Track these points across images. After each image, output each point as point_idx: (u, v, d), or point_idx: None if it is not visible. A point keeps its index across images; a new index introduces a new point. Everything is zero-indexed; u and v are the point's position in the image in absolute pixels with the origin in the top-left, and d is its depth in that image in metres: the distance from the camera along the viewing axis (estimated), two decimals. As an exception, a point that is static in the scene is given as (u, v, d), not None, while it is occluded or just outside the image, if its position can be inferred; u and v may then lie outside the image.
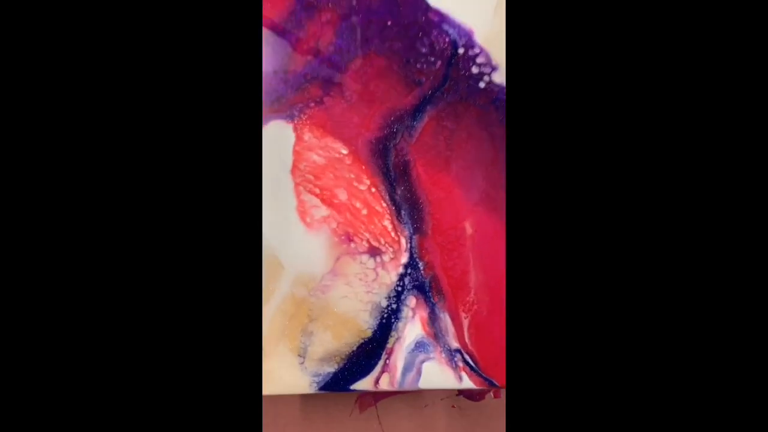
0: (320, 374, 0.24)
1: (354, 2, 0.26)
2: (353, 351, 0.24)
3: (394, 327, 0.24)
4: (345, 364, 0.24)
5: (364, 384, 0.24)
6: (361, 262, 0.24)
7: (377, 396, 0.30)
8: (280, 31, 0.26)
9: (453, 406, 0.29)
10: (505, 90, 0.26)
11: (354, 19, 0.26)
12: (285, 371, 0.24)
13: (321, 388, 0.24)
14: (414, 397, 0.29)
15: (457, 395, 0.30)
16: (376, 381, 0.24)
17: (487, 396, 0.30)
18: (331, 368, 0.24)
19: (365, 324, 0.24)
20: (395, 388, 0.24)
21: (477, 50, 0.26)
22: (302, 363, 0.24)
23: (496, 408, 0.30)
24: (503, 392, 0.30)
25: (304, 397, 0.29)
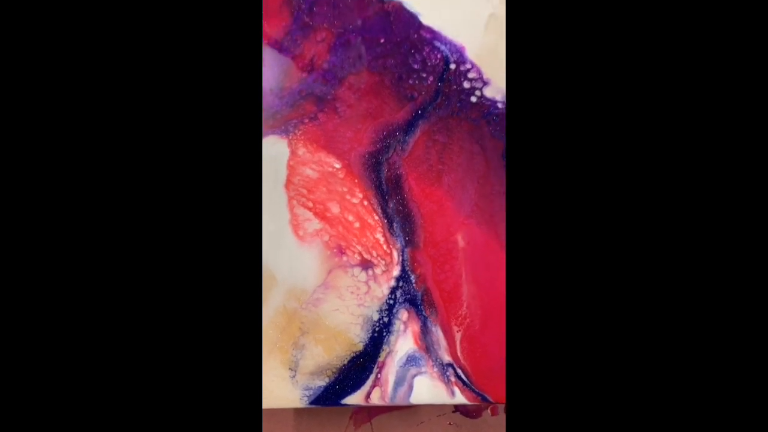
0: (311, 388, 0.24)
1: (348, 21, 0.27)
2: (344, 365, 0.24)
3: (385, 341, 0.24)
4: (336, 378, 0.24)
5: (356, 398, 0.24)
6: (353, 275, 0.25)
7: (372, 412, 0.29)
8: (276, 49, 0.27)
9: (449, 423, 0.29)
10: (496, 103, 0.26)
11: (348, 37, 0.27)
12: (276, 385, 0.24)
13: (312, 402, 0.24)
14: (409, 414, 0.29)
15: (453, 412, 0.29)
16: (368, 395, 0.24)
17: (484, 413, 0.29)
18: (322, 382, 0.24)
19: (357, 338, 0.24)
20: (387, 402, 0.24)
21: (468, 65, 0.26)
22: (293, 377, 0.24)
23: (494, 426, 0.29)
24: (501, 409, 0.29)
25: (298, 412, 0.29)
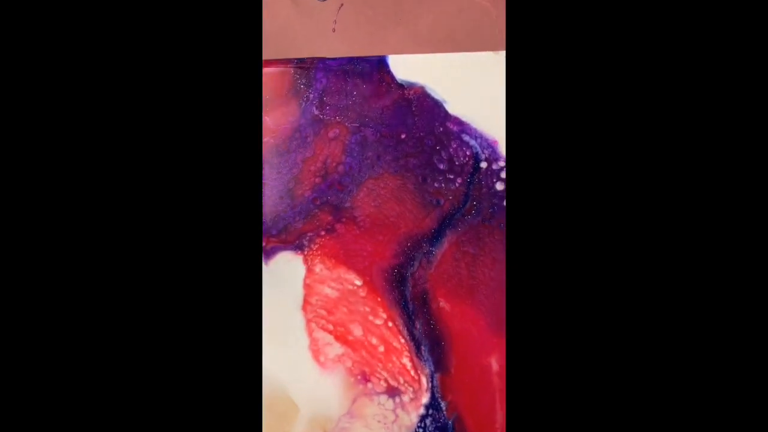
0: None
1: (365, 113, 0.24)
2: (374, 495, 0.23)
3: (416, 471, 0.23)
4: None
5: None
6: (379, 403, 0.23)
7: None
8: (283, 151, 0.24)
9: None
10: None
11: (365, 132, 0.24)
12: None
13: None
14: None
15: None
16: None
17: None
18: None
19: (386, 468, 0.23)
20: None
21: (502, 163, 0.23)
22: (321, 508, 0.23)
23: None
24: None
25: None
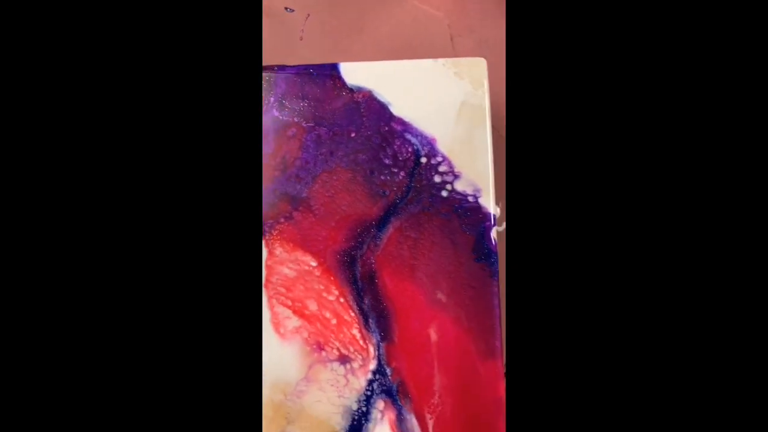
0: (299, 470, 0.26)
1: (318, 113, 0.27)
2: (328, 450, 0.26)
3: (364, 428, 0.26)
4: (321, 462, 0.26)
5: (339, 479, 0.26)
6: (332, 369, 0.26)
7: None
8: (249, 148, 0.27)
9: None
10: (467, 197, 0.26)
11: (320, 131, 0.27)
12: (266, 469, 0.26)
13: (300, 483, 0.26)
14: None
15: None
16: (350, 477, 0.26)
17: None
18: (308, 465, 0.26)
19: (338, 426, 0.26)
20: (367, 483, 0.26)
21: (440, 158, 0.26)
22: (282, 461, 0.26)
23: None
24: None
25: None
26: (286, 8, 0.34)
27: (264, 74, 0.27)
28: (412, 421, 0.26)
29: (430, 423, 0.26)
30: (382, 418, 0.26)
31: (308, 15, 0.34)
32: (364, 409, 0.26)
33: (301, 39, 0.34)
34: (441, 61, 0.27)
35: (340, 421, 0.26)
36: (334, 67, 0.27)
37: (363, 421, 0.26)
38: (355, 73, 0.27)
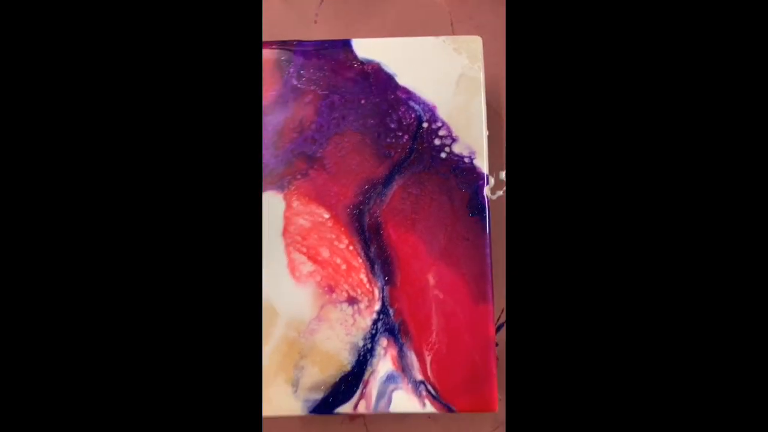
0: (310, 400, 0.29)
1: (332, 83, 0.30)
2: (336, 382, 0.29)
3: (369, 363, 0.29)
4: (330, 392, 0.29)
5: (346, 408, 0.29)
6: (341, 310, 0.29)
7: (363, 411, 0.35)
8: (269, 112, 0.30)
9: (429, 417, 0.35)
10: (463, 158, 0.30)
11: (333, 98, 0.30)
12: (281, 398, 0.29)
13: (311, 412, 0.29)
14: (395, 412, 0.35)
15: (431, 410, 0.35)
16: (355, 406, 0.29)
17: (457, 411, 0.35)
18: (318, 395, 0.29)
19: (346, 360, 0.29)
20: (370, 412, 0.29)
21: (439, 124, 0.30)
22: (295, 391, 0.29)
23: (465, 419, 0.35)
24: (473, 407, 0.35)
25: (302, 419, 0.35)
26: (302, -6, 0.37)
27: (284, 48, 0.31)
28: (412, 357, 0.29)
29: (428, 359, 0.29)
30: (385, 354, 0.29)
31: (322, 0, 0.37)
32: (369, 345, 0.29)
33: (316, 22, 0.37)
34: (442, 38, 0.30)
35: (348, 357, 0.29)
36: (346, 43, 0.31)
37: (368, 357, 0.29)
38: (365, 48, 0.30)
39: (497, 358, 0.30)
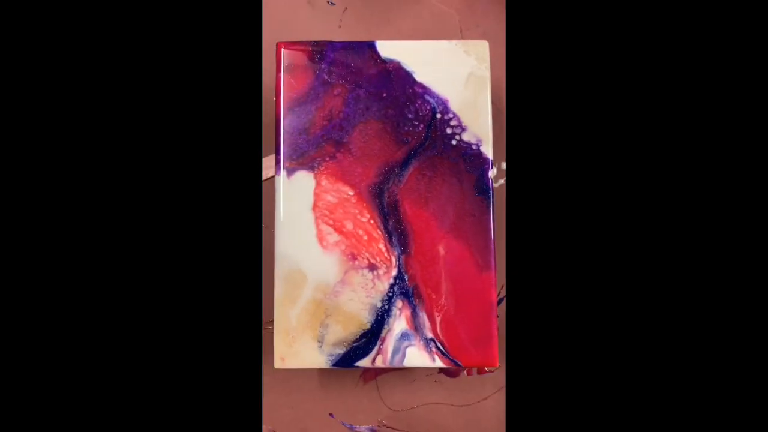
0: (333, 355, 0.33)
1: (358, 78, 0.35)
2: (357, 339, 0.33)
3: (386, 322, 0.33)
4: (351, 348, 0.33)
5: (365, 362, 0.33)
6: (362, 275, 0.34)
7: (377, 372, 0.39)
8: (302, 102, 0.35)
9: (435, 381, 0.39)
10: (471, 145, 0.34)
11: (359, 91, 0.35)
12: (308, 353, 0.33)
13: (334, 365, 0.33)
14: (405, 374, 0.39)
15: (438, 372, 0.39)
16: (373, 360, 0.33)
17: (461, 374, 0.39)
18: (341, 350, 0.33)
19: (365, 320, 0.33)
20: (386, 365, 0.33)
21: (451, 115, 0.34)
22: (320, 347, 0.33)
23: (468, 382, 0.39)
24: (475, 371, 0.39)
25: (321, 372, 0.39)
26: (328, 1, 0.42)
27: (317, 47, 0.35)
28: (424, 318, 0.33)
29: (438, 319, 0.33)
30: (400, 315, 0.33)
31: (345, 8, 0.42)
32: (386, 306, 0.34)
33: (339, 27, 0.42)
34: (453, 42, 0.35)
35: (367, 316, 0.33)
36: (371, 44, 0.35)
37: (385, 317, 0.33)
38: (387, 49, 0.35)
39: (498, 317, 0.34)
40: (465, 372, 0.39)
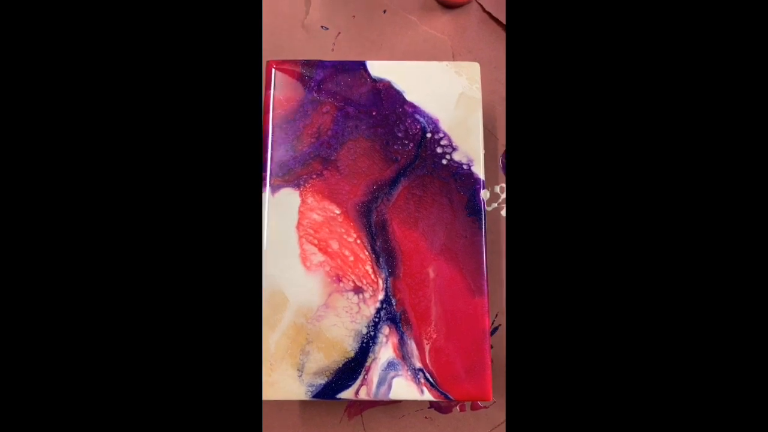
0: (314, 385, 0.31)
1: (348, 96, 0.34)
2: (340, 368, 0.31)
3: (371, 350, 0.31)
4: (333, 378, 0.31)
5: (347, 394, 0.31)
6: (347, 298, 0.32)
7: (363, 406, 0.36)
8: (291, 120, 0.34)
9: (425, 417, 0.36)
10: (462, 165, 0.33)
11: (348, 109, 0.34)
12: (287, 382, 0.31)
13: (314, 396, 0.31)
14: (393, 409, 0.36)
15: (428, 408, 0.36)
16: (357, 392, 0.31)
17: (453, 410, 0.36)
18: (322, 381, 0.31)
19: (349, 347, 0.31)
20: (371, 398, 0.31)
21: (441, 135, 0.33)
22: (300, 376, 0.31)
23: (460, 419, 0.36)
24: (468, 406, 0.36)
25: (303, 405, 0.36)
26: (322, 26, 0.42)
27: (307, 66, 0.35)
28: (412, 345, 0.31)
29: (427, 347, 0.31)
30: (386, 342, 0.31)
31: (339, 33, 0.42)
32: (372, 333, 0.31)
33: (333, 50, 0.42)
34: (445, 63, 0.35)
35: (352, 343, 0.31)
36: (361, 64, 0.35)
37: (370, 344, 0.31)
38: (378, 69, 0.35)
39: (492, 347, 0.32)
40: (458, 407, 0.36)
